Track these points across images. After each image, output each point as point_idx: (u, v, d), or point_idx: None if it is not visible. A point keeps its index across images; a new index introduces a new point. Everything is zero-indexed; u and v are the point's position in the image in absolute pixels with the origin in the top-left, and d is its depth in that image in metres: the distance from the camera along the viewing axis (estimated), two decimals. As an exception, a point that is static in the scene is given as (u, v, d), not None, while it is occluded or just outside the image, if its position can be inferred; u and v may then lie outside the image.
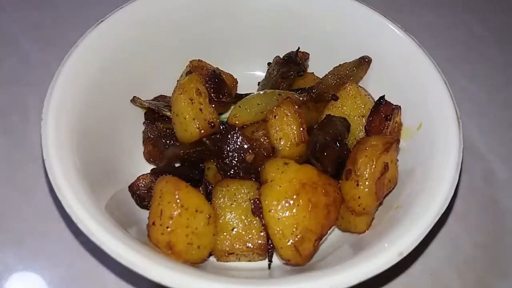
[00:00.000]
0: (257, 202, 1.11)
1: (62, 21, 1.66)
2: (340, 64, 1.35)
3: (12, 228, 1.26)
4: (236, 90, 1.45)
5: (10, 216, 1.28)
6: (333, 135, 1.18)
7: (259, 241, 1.12)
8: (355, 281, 0.95)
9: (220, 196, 1.14)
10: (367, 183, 1.11)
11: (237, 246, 1.11)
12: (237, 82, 1.44)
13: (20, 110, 1.45)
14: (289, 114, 1.18)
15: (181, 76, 1.39)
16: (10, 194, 1.31)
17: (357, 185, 1.11)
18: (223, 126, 1.22)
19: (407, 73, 1.28)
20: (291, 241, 1.06)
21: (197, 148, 1.17)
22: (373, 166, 1.11)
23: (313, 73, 1.43)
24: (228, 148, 1.17)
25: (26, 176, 1.34)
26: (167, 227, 1.02)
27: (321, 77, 1.36)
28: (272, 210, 1.08)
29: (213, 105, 1.23)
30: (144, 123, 1.33)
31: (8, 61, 1.57)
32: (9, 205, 1.29)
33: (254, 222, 1.12)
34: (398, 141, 1.19)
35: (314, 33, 1.43)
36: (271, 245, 1.11)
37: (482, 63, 1.72)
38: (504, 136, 1.55)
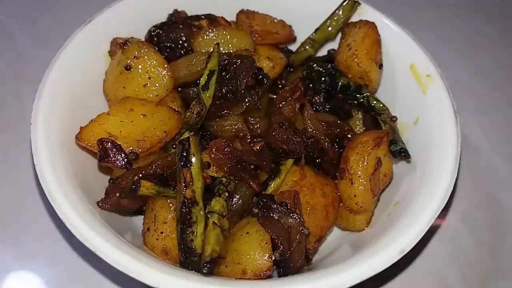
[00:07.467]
0: None
1: (59, 16, 1.62)
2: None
3: (9, 227, 1.24)
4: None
5: (7, 215, 1.25)
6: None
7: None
8: (357, 280, 0.93)
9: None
10: (361, 180, 1.09)
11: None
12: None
13: (16, 108, 1.43)
14: None
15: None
16: (6, 193, 1.29)
17: (352, 183, 1.10)
18: None
19: (402, 67, 1.26)
20: (290, 244, 1.04)
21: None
22: (365, 163, 1.09)
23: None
24: None
25: (23, 175, 1.31)
26: (162, 232, 1.01)
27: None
28: (271, 214, 1.05)
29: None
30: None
31: (4, 57, 1.53)
32: (6, 204, 1.27)
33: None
34: (388, 134, 1.17)
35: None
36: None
37: (485, 60, 1.69)
38: (507, 134, 1.52)
